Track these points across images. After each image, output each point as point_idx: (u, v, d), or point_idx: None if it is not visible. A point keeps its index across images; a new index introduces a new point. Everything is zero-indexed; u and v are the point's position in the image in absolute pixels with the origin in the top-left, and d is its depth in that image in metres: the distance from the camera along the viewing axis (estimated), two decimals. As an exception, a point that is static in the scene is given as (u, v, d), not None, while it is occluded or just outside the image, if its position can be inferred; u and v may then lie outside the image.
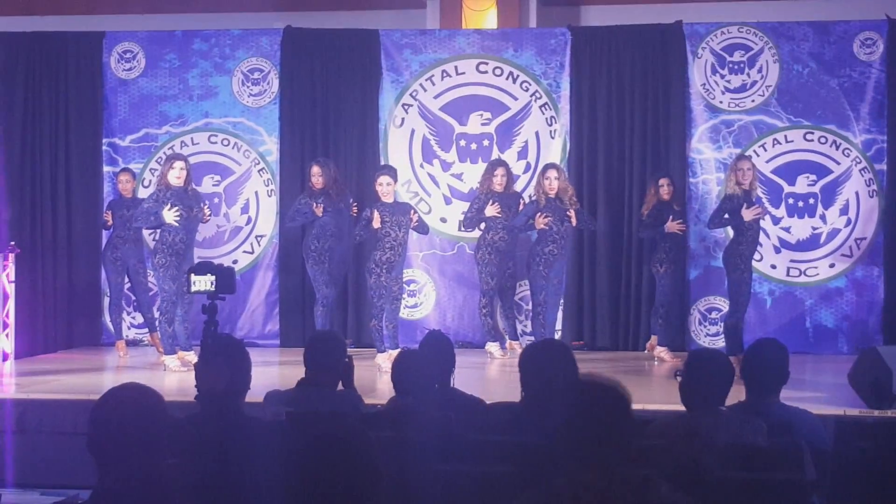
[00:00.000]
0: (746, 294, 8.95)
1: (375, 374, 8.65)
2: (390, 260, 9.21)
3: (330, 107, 10.82)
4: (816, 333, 10.29)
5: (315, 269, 9.52)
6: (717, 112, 10.44)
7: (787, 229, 10.38)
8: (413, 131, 10.74)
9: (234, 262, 10.59)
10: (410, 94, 10.73)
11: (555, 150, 10.58)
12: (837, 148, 10.29)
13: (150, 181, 10.45)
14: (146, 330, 10.26)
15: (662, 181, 9.68)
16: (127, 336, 10.40)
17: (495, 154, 10.51)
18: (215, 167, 10.86)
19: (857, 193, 10.29)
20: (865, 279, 10.27)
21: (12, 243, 9.82)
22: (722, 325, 9.65)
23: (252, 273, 10.82)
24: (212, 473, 3.59)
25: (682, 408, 4.48)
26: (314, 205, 9.47)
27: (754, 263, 9.22)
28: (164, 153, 10.43)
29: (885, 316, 10.15)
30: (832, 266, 10.31)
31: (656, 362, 9.60)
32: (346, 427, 2.95)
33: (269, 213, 10.84)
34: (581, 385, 3.02)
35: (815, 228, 10.36)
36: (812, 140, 10.34)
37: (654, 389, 8.19)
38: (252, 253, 10.85)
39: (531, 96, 10.63)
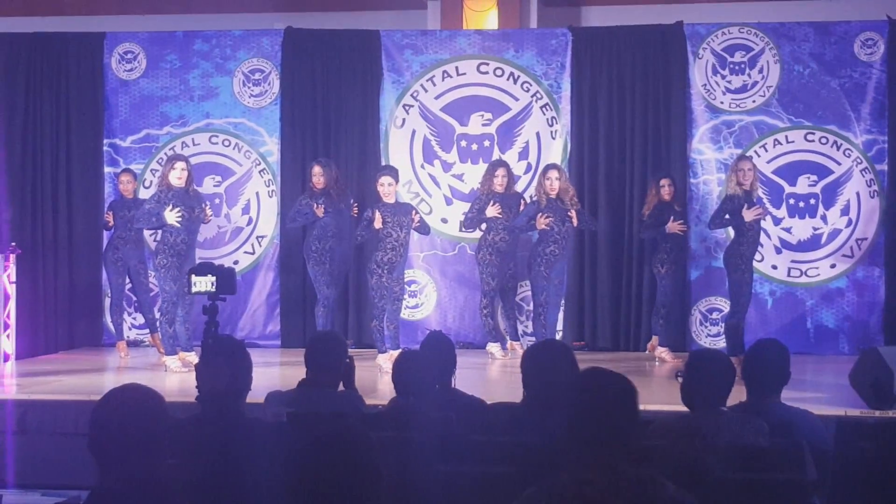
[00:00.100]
0: (747, 294, 8.95)
1: (376, 375, 8.65)
2: (392, 260, 9.20)
3: (331, 107, 10.82)
4: (817, 334, 10.29)
5: (316, 270, 9.52)
6: (718, 112, 10.44)
7: (787, 230, 10.37)
8: (414, 132, 10.74)
9: (235, 262, 10.59)
10: (411, 95, 10.73)
11: (556, 150, 10.58)
12: (838, 148, 10.29)
13: (152, 182, 10.46)
14: (147, 331, 10.26)
15: (663, 182, 9.68)
16: (128, 337, 10.40)
17: (496, 155, 10.51)
18: (216, 168, 10.86)
19: (857, 194, 10.28)
20: (866, 279, 10.26)
21: (13, 244, 9.84)
22: (723, 325, 9.65)
23: (253, 274, 10.82)
24: (212, 474, 3.59)
25: (683, 408, 4.49)
26: (315, 205, 9.48)
27: (755, 264, 9.23)
28: (165, 154, 10.43)
29: (885, 316, 10.14)
30: (833, 266, 10.31)
31: (657, 363, 9.60)
32: (346, 428, 2.95)
33: (270, 213, 10.84)
34: (589, 376, 3.02)
35: (815, 229, 10.35)
36: (813, 140, 10.34)
37: (655, 390, 8.18)
38: (253, 253, 10.86)
39: (532, 97, 10.63)
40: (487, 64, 10.69)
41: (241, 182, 10.88)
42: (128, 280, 9.96)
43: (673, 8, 10.86)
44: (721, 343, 9.58)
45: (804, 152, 10.36)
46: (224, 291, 6.95)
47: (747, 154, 9.92)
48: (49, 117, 10.89)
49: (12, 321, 9.51)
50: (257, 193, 10.88)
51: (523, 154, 10.64)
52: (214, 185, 10.80)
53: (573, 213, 9.46)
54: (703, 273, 10.43)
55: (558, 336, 9.90)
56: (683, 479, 3.14)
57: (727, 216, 8.95)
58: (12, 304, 9.52)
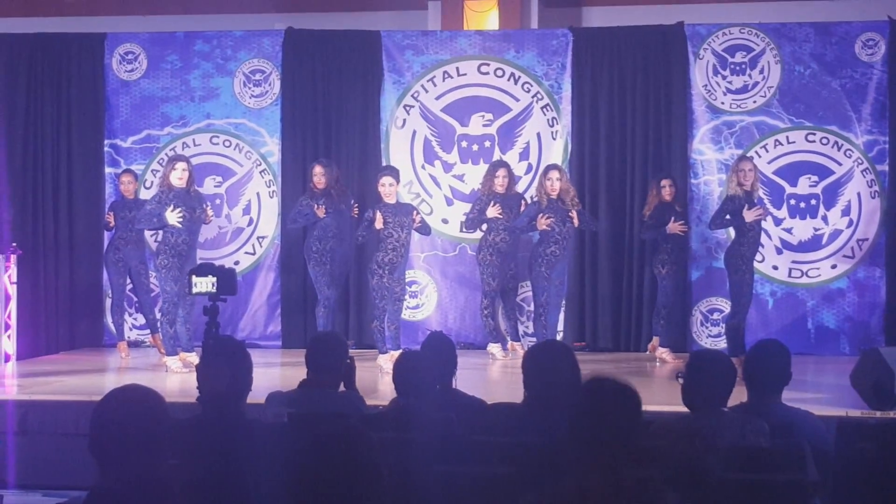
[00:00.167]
0: (748, 295, 8.95)
1: (377, 375, 8.65)
2: (392, 261, 9.20)
3: (331, 108, 10.82)
4: (818, 334, 10.29)
5: (316, 270, 9.53)
6: (719, 113, 10.44)
7: (788, 230, 10.37)
8: (414, 132, 10.74)
9: (236, 263, 10.59)
10: (412, 95, 10.73)
11: (556, 151, 10.58)
12: (839, 149, 10.29)
13: (152, 182, 10.47)
14: (148, 331, 10.26)
15: (664, 182, 9.68)
16: (129, 337, 10.40)
17: (497, 155, 10.51)
18: (217, 168, 10.86)
19: (858, 194, 10.28)
20: (867, 280, 10.26)
21: (14, 244, 9.84)
22: (723, 326, 9.65)
23: (254, 274, 10.82)
24: (213, 475, 3.59)
25: (683, 409, 4.48)
26: (315, 206, 9.48)
27: (756, 264, 9.22)
28: (166, 154, 10.44)
29: (886, 317, 10.14)
30: (834, 267, 10.30)
31: (658, 363, 9.60)
32: (347, 428, 2.94)
33: (271, 214, 10.84)
34: (594, 383, 3.02)
35: (816, 229, 10.35)
36: (814, 141, 10.34)
37: (656, 390, 8.18)
38: (254, 254, 10.86)
39: (533, 97, 10.63)
40: (488, 64, 10.68)
41: (242, 182, 10.88)
42: (129, 280, 9.96)
43: (673, 8, 10.86)
44: (722, 344, 9.57)
45: (805, 153, 10.35)
46: (225, 292, 6.95)
47: (748, 154, 9.92)
48: (50, 118, 10.90)
49: (13, 322, 9.51)
50: (258, 194, 10.88)
51: (524, 154, 10.64)
52: (215, 186, 10.80)
53: (574, 214, 9.46)
54: (703, 274, 10.43)
55: (559, 337, 9.90)
56: (684, 479, 3.14)
57: (728, 217, 8.95)
58: (13, 305, 9.52)
